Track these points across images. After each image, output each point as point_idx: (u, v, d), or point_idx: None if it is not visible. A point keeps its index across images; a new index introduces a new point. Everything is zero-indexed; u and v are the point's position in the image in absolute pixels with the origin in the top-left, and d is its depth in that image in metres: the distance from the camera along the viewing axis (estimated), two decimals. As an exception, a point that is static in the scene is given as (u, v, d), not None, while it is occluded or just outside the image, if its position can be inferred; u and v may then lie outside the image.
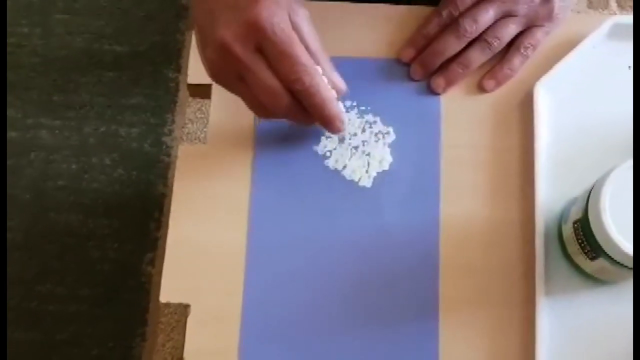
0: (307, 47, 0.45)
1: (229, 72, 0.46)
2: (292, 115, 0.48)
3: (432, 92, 0.56)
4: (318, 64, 0.46)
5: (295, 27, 0.45)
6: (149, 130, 1.25)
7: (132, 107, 1.26)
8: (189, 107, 0.57)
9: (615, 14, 0.60)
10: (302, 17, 0.46)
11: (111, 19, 1.31)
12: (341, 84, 0.49)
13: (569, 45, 0.56)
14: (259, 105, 0.47)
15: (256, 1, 0.43)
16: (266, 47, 0.44)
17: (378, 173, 0.55)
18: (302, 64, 0.44)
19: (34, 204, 1.21)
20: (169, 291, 0.53)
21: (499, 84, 0.57)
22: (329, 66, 0.47)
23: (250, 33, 0.44)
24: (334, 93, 0.48)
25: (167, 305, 0.52)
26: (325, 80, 0.47)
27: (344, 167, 0.55)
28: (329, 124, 0.48)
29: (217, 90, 0.57)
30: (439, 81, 0.56)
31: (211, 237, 0.54)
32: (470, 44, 0.56)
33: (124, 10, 1.32)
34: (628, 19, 0.57)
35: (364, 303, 0.52)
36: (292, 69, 0.44)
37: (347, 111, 0.56)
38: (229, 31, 0.44)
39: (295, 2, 0.46)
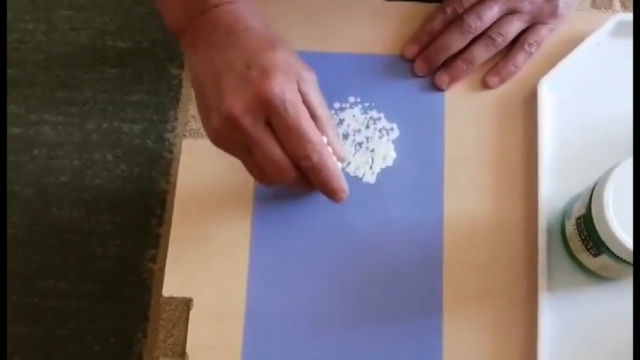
0: (314, 116, 0.45)
1: (234, 142, 0.45)
2: (295, 186, 0.48)
3: (436, 88, 0.57)
4: (324, 132, 0.46)
5: (303, 97, 0.45)
6: (151, 127, 1.25)
7: (135, 104, 1.26)
8: (192, 104, 0.57)
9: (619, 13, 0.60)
10: (310, 84, 0.45)
11: (115, 16, 1.31)
12: (343, 153, 0.48)
13: (574, 42, 0.57)
14: (263, 175, 0.47)
15: (267, 75, 0.43)
16: (276, 122, 0.44)
17: (382, 169, 0.55)
18: (310, 142, 0.44)
19: (36, 199, 1.21)
20: (172, 285, 0.53)
21: (502, 80, 0.57)
22: (333, 134, 0.47)
23: (261, 108, 0.43)
24: (339, 165, 0.48)
25: (169, 302, 0.52)
26: (330, 150, 0.47)
27: (348, 163, 0.55)
28: (333, 196, 0.48)
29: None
30: (443, 77, 0.56)
31: (215, 231, 0.54)
32: (474, 40, 0.56)
33: (127, 7, 1.32)
34: (632, 16, 0.57)
35: (369, 298, 0.52)
36: (301, 146, 0.44)
37: (351, 107, 0.56)
38: (238, 103, 0.43)
39: (302, 66, 0.45)
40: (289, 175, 0.46)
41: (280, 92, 0.43)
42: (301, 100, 0.44)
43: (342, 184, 0.48)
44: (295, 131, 0.44)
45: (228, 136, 0.45)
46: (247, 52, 0.44)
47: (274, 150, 0.44)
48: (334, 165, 0.47)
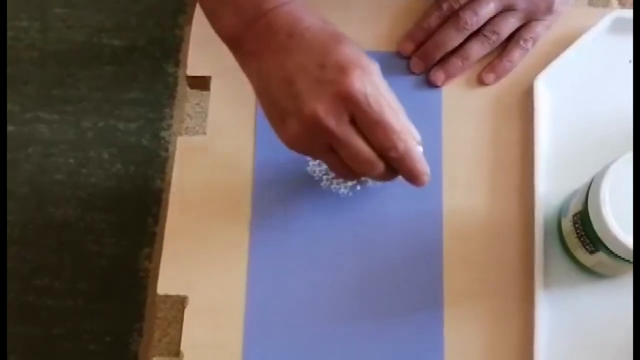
0: (389, 105, 0.44)
1: (317, 144, 0.45)
2: (380, 177, 0.47)
3: (431, 84, 0.56)
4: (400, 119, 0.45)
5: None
6: (147, 125, 1.24)
7: (131, 102, 1.26)
8: (188, 102, 0.57)
9: (616, 10, 0.60)
10: (377, 74, 0.44)
11: (110, 14, 1.31)
12: (418, 134, 0.47)
13: (570, 39, 0.57)
14: (348, 171, 0.46)
15: (345, 71, 0.42)
16: (360, 117, 0.43)
17: (379, 166, 0.55)
18: (396, 132, 0.43)
19: (31, 198, 1.21)
20: (166, 283, 0.53)
21: (498, 77, 0.57)
22: (406, 119, 0.46)
23: (344, 105, 0.42)
24: (420, 149, 0.47)
25: (164, 300, 0.52)
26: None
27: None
28: (417, 180, 0.47)
29: (216, 82, 0.57)
30: (438, 74, 0.56)
31: (211, 229, 0.54)
32: (470, 37, 0.56)
33: (123, 4, 1.32)
34: (629, 13, 0.57)
35: (369, 295, 0.52)
36: (387, 138, 0.43)
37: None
38: (321, 105, 0.42)
39: (367, 58, 0.44)
40: (377, 169, 0.45)
41: (361, 86, 0.42)
42: (380, 91, 0.43)
43: (425, 167, 0.47)
44: (380, 124, 0.43)
45: (310, 139, 0.44)
46: (316, 51, 0.43)
47: (361, 146, 0.44)
48: (417, 151, 0.46)
